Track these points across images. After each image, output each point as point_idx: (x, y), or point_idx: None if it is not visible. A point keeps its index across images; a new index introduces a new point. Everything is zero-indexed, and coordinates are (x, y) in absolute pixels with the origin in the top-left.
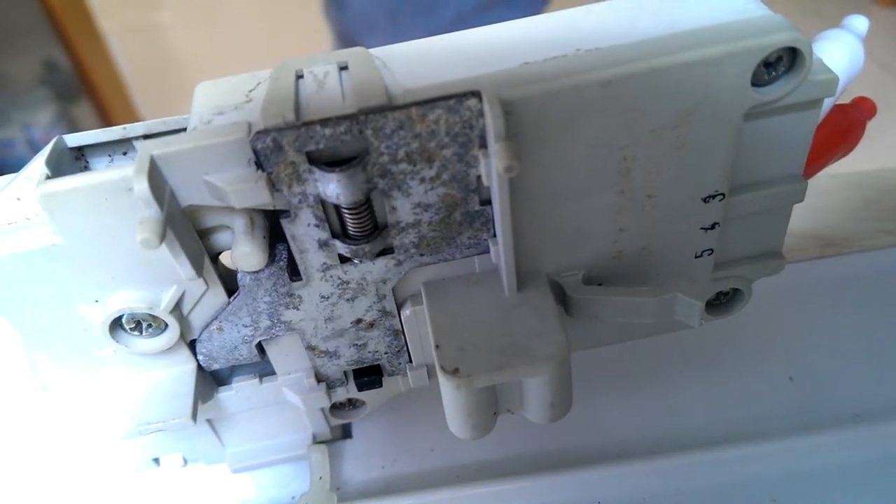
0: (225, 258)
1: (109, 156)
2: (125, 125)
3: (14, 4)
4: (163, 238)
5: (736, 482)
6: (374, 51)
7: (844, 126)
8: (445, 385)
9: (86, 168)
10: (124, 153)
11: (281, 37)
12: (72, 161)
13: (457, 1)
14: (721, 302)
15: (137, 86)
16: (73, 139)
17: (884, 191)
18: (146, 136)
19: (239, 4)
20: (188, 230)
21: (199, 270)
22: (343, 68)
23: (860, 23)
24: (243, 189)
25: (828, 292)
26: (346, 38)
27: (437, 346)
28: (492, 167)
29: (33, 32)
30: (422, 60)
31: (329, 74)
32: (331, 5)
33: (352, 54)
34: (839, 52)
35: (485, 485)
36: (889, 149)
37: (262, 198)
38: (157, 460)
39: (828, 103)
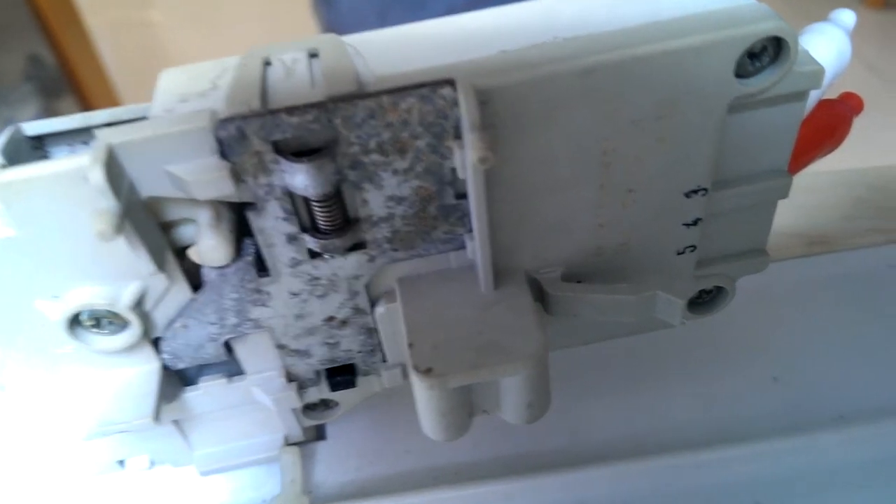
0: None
1: (70, 145)
2: (85, 113)
3: None
4: (119, 230)
5: (719, 484)
6: (348, 38)
7: (831, 121)
8: (418, 385)
9: (45, 158)
10: (85, 143)
11: (271, 35)
12: (30, 150)
13: None
14: (704, 300)
15: (125, 83)
16: (32, 127)
17: (873, 188)
18: (108, 125)
19: (229, 3)
20: (149, 223)
21: (161, 265)
22: (313, 55)
23: (847, 17)
24: (206, 180)
25: (814, 291)
26: None
27: (410, 345)
28: (466, 159)
29: (18, 28)
30: (396, 48)
31: (298, 61)
32: (319, 2)
33: (323, 41)
34: (826, 45)
35: (462, 487)
36: (876, 150)
37: (225, 189)
38: (121, 462)
39: (814, 97)
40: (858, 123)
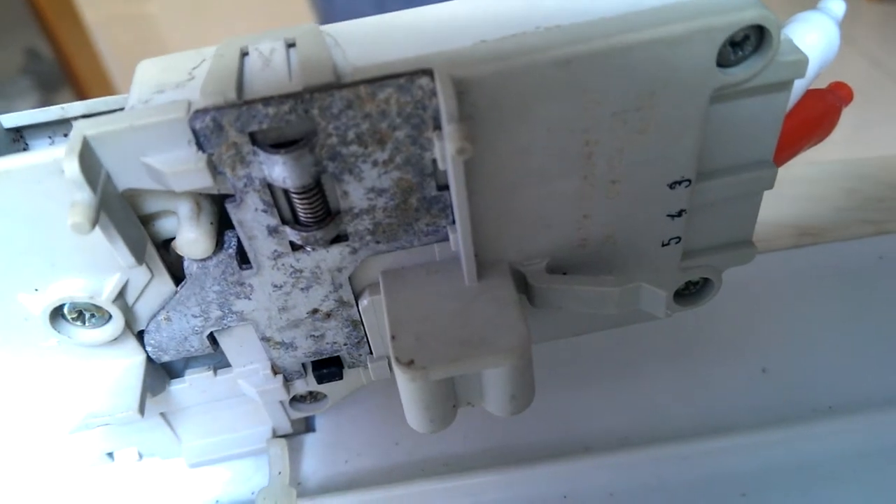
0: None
1: (50, 137)
2: (63, 105)
3: None
4: (95, 223)
5: (705, 476)
6: (326, 27)
7: (819, 111)
8: (401, 377)
9: (25, 150)
10: (65, 135)
11: (267, 27)
12: (9, 143)
13: None
14: (691, 292)
15: (122, 76)
16: (9, 119)
17: (863, 179)
18: (86, 116)
19: None
20: (127, 215)
21: (140, 258)
22: (291, 45)
23: (836, 6)
24: (183, 171)
25: (803, 282)
26: None
27: (392, 337)
28: (445, 150)
29: (16, 22)
30: (375, 38)
31: (276, 51)
32: None
33: (301, 31)
34: (814, 34)
35: (451, 479)
36: (877, 141)
37: (203, 181)
38: (111, 455)
39: (800, 86)
40: (859, 115)
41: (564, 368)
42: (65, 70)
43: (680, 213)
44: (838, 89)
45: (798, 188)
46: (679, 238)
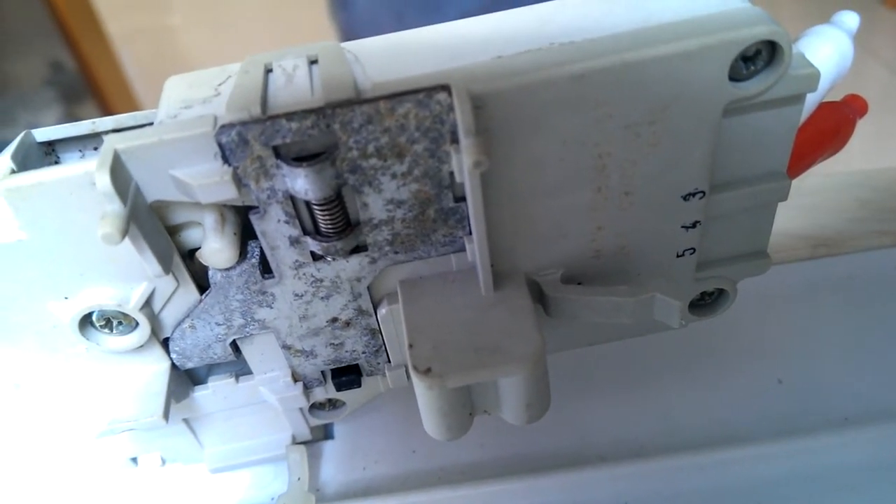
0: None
1: (80, 151)
2: (94, 119)
3: (20, 6)
4: (125, 233)
5: (719, 487)
6: (347, 44)
7: (833, 124)
8: (418, 385)
9: (56, 163)
10: (95, 148)
11: (289, 39)
12: (41, 156)
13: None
14: (706, 302)
15: (145, 88)
16: (42, 133)
17: (879, 190)
18: (115, 131)
19: (248, 7)
20: (155, 226)
21: (167, 267)
22: (313, 62)
23: (850, 19)
24: (209, 184)
25: (819, 293)
26: (351, 39)
27: (410, 346)
28: (462, 163)
29: (40, 34)
30: (394, 54)
31: (298, 68)
32: (336, 6)
33: (323, 48)
34: (827, 48)
35: (466, 487)
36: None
37: (228, 193)
38: (134, 460)
39: (812, 99)
40: (879, 124)
41: (579, 378)
42: (88, 81)
43: (694, 225)
44: (852, 101)
45: (813, 199)
46: (693, 249)
